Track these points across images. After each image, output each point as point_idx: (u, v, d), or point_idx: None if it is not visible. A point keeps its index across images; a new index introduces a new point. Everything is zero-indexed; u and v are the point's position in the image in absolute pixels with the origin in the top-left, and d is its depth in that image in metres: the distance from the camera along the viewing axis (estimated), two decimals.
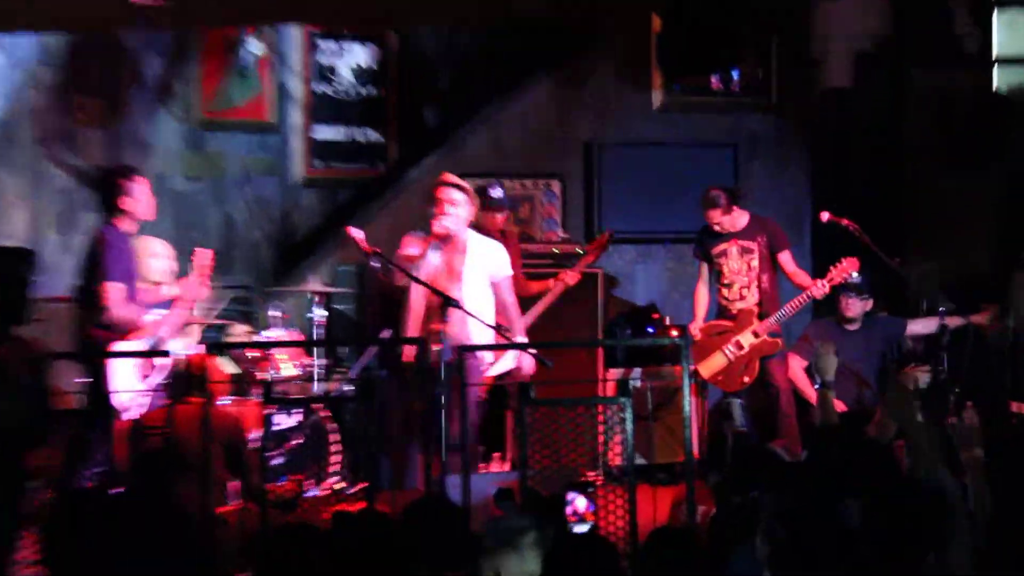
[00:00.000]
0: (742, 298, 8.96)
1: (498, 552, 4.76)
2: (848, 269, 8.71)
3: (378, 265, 7.65)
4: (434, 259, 7.80)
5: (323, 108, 10.39)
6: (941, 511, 4.54)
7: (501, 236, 8.84)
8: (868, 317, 9.05)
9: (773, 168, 10.93)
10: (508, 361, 8.09)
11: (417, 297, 7.71)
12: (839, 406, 8.45)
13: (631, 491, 6.41)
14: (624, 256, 10.58)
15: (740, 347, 8.85)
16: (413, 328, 7.69)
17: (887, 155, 10.95)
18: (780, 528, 4.39)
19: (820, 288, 8.70)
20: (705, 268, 9.13)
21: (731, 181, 10.44)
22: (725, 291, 9.02)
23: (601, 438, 8.04)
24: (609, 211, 10.60)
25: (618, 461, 8.41)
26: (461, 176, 9.97)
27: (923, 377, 7.10)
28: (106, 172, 7.84)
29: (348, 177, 10.41)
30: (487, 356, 7.93)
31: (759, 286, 8.94)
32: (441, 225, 7.78)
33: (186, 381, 6.88)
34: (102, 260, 7.30)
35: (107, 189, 7.53)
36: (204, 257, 7.77)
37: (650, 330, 10.03)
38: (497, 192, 8.84)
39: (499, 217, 8.86)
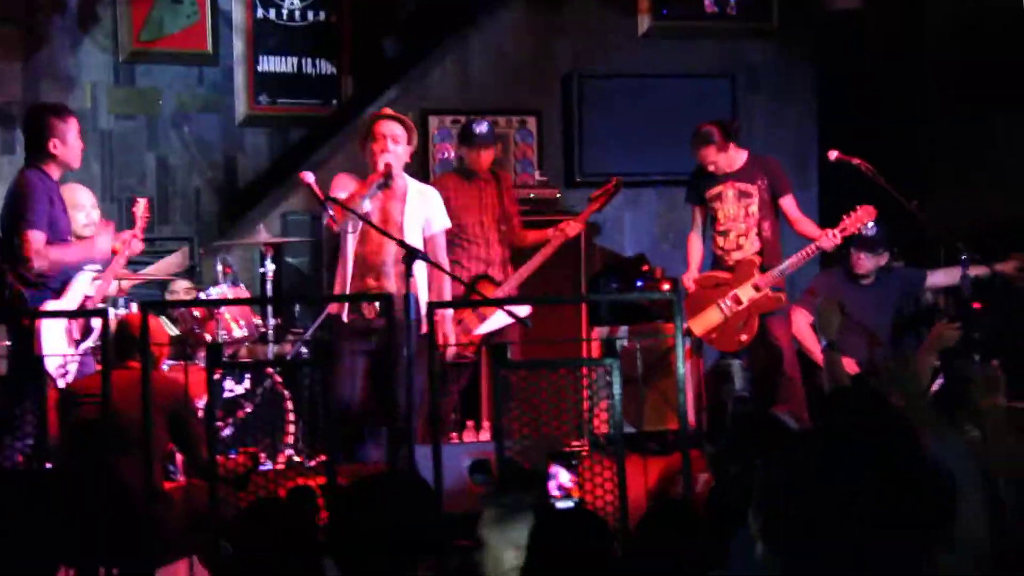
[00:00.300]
0: (739, 247, 9.04)
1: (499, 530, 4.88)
2: (863, 219, 8.72)
3: (333, 213, 7.75)
4: (366, 204, 7.80)
5: (268, 36, 10.45)
6: (944, 498, 4.68)
7: (492, 177, 9.00)
8: (882, 269, 9.14)
9: (775, 102, 11.03)
10: (499, 318, 8.24)
11: (353, 246, 7.80)
12: (850, 366, 8.62)
13: (619, 462, 6.55)
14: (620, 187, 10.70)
15: (738, 302, 8.94)
16: (341, 282, 7.81)
17: (903, 86, 11.04)
18: (774, 501, 4.55)
19: (830, 239, 8.72)
20: (699, 214, 9.20)
21: (729, 115, 10.55)
22: (720, 239, 9.09)
23: (586, 404, 8.19)
24: (591, 151, 10.70)
25: (605, 429, 8.56)
26: (424, 114, 10.19)
27: (953, 335, 7.22)
28: (34, 109, 7.86)
29: (298, 114, 10.49)
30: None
31: (759, 234, 9.00)
32: (386, 161, 7.82)
33: (123, 344, 7.00)
34: (24, 207, 7.31)
35: (35, 129, 7.50)
36: (140, 207, 7.86)
37: (639, 283, 10.15)
38: (482, 127, 8.96)
39: (485, 155, 8.96)
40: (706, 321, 8.99)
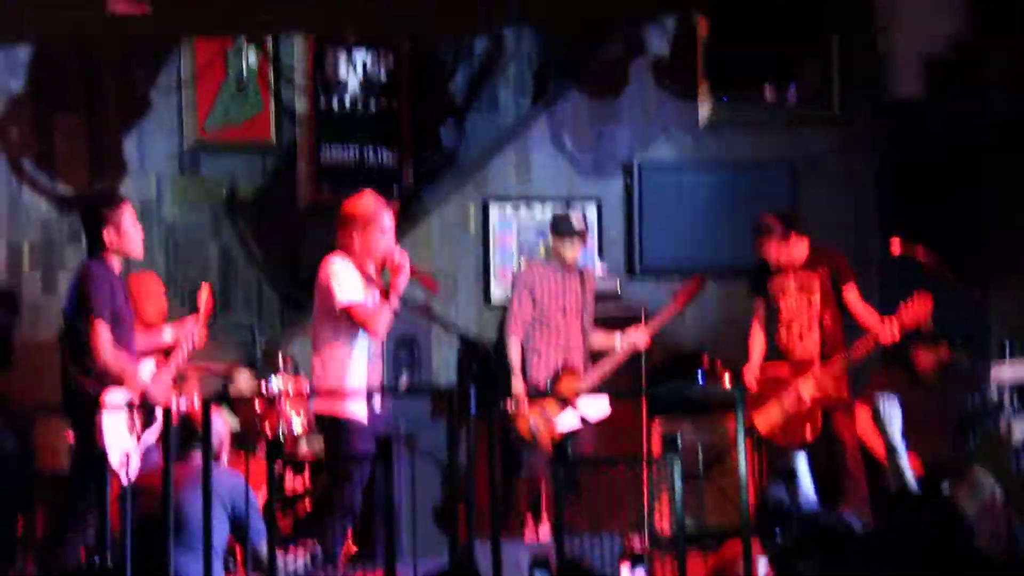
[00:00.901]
0: (802, 339, 8.99)
1: None
2: (920, 308, 8.72)
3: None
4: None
5: (329, 125, 10.53)
6: None
7: (577, 269, 9.06)
8: (945, 364, 9.08)
9: (836, 190, 11.01)
10: (572, 418, 8.27)
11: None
12: (915, 465, 8.59)
13: (681, 561, 6.56)
14: (669, 292, 10.68)
15: (800, 397, 8.94)
16: None
17: (965, 174, 11.03)
18: None
19: (888, 330, 8.74)
20: (761, 305, 9.18)
21: (788, 205, 10.57)
22: (783, 332, 9.06)
23: (646, 500, 8.19)
24: (651, 240, 10.72)
25: (666, 526, 8.53)
26: (485, 203, 10.27)
27: (1020, 429, 7.16)
28: (88, 201, 7.93)
29: None
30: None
31: (821, 326, 8.99)
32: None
33: (184, 437, 7.06)
34: (88, 299, 7.38)
35: (90, 220, 7.57)
36: (204, 295, 7.93)
37: (700, 377, 10.14)
38: (576, 220, 9.08)
39: (574, 247, 9.08)
40: (769, 417, 8.95)
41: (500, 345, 9.02)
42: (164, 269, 9.94)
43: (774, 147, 11.01)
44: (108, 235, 7.49)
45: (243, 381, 8.91)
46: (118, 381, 7.36)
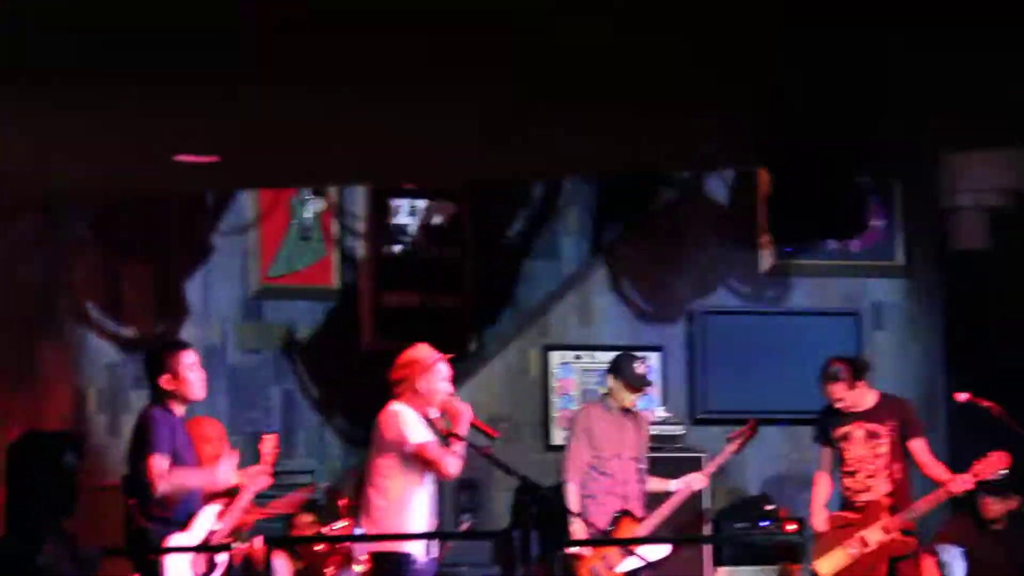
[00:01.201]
0: (867, 488, 8.93)
1: None
2: (996, 465, 8.65)
3: (453, 449, 7.82)
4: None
5: (391, 271, 10.62)
6: None
7: (634, 414, 9.04)
8: (1014, 513, 9.02)
9: (902, 340, 11.01)
10: (633, 563, 8.24)
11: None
12: None
13: None
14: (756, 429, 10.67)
15: (866, 544, 8.82)
16: None
17: None
18: None
19: (960, 484, 8.68)
20: (826, 454, 9.14)
21: (853, 354, 10.54)
22: (848, 480, 9.00)
23: None
24: (715, 387, 10.73)
25: None
26: (546, 349, 10.31)
27: None
28: (150, 349, 8.01)
29: None
30: None
31: (890, 476, 8.93)
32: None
33: None
34: (146, 436, 7.45)
35: (151, 366, 7.65)
36: (269, 443, 7.96)
37: (763, 523, 10.07)
38: (646, 369, 9.14)
39: (638, 396, 9.11)
40: (833, 563, 8.87)
41: (558, 489, 8.99)
42: (227, 413, 9.98)
43: (838, 296, 11.03)
44: (165, 381, 7.56)
45: (305, 524, 8.90)
46: (180, 522, 7.37)
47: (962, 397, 9.02)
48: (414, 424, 7.79)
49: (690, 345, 10.84)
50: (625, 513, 8.84)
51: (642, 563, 8.49)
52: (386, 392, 10.38)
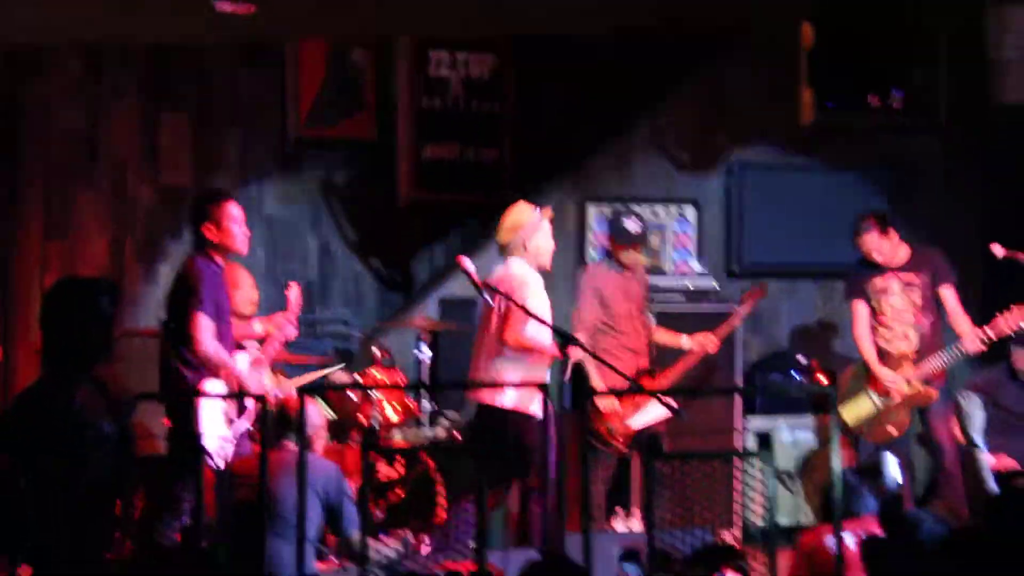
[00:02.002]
0: (905, 338, 9.02)
1: None
2: (1019, 319, 8.68)
3: (491, 301, 7.87)
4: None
5: (432, 124, 10.61)
6: None
7: (635, 272, 9.05)
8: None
9: (939, 196, 10.94)
10: (655, 411, 8.30)
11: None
12: (1006, 464, 8.52)
13: (771, 557, 6.55)
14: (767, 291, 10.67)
15: (889, 394, 8.92)
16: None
17: None
18: None
19: (974, 341, 8.72)
20: (863, 308, 9.16)
21: (890, 210, 10.51)
22: (885, 332, 9.06)
23: (737, 495, 8.18)
24: (750, 241, 10.70)
25: (758, 521, 8.52)
26: (584, 202, 10.31)
27: None
28: (196, 198, 8.09)
29: (459, 202, 10.62)
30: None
31: (921, 327, 8.98)
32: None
33: (280, 425, 7.15)
34: (192, 292, 7.52)
35: (197, 216, 7.71)
36: (294, 292, 8.02)
37: (795, 375, 10.12)
38: (634, 226, 9.04)
39: (634, 252, 9.06)
40: (857, 411, 8.98)
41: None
42: (264, 263, 10.06)
43: (877, 152, 10.95)
44: (209, 231, 7.62)
45: (339, 373, 8.99)
46: (216, 372, 7.47)
47: (998, 251, 8.96)
48: (533, 289, 8.14)
49: (727, 199, 10.80)
50: (645, 371, 8.86)
51: (656, 419, 8.52)
52: (422, 242, 10.51)
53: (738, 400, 9.74)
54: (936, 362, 8.89)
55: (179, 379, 7.50)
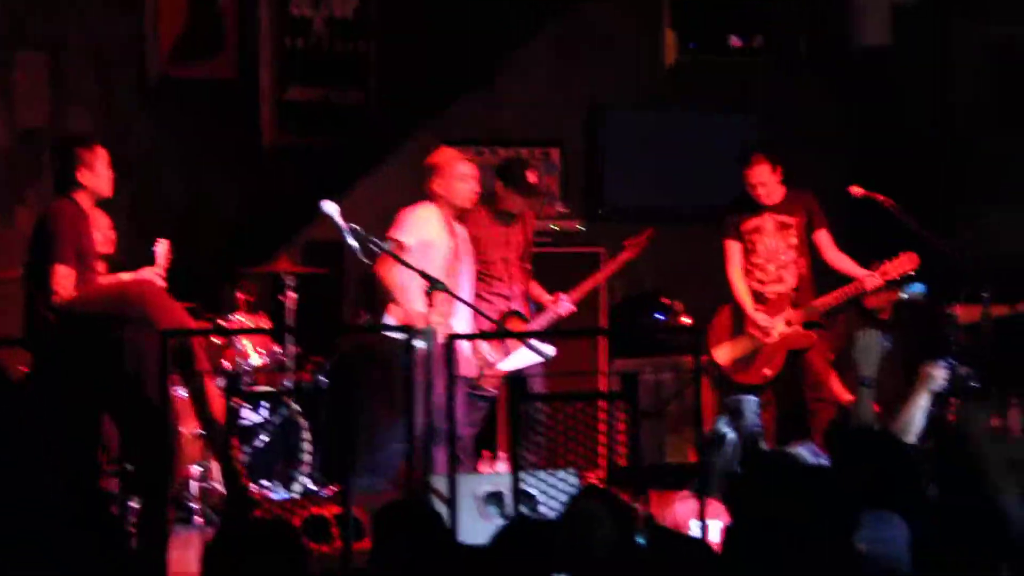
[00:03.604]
0: (780, 279, 8.99)
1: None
2: (906, 266, 8.72)
3: (355, 243, 7.82)
4: (448, 238, 8.26)
5: (295, 65, 10.51)
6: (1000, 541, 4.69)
7: (520, 214, 8.97)
8: (895, 303, 9.17)
9: (801, 137, 11.05)
10: (524, 356, 8.31)
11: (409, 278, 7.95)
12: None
13: (636, 498, 6.63)
14: (630, 234, 10.70)
15: (767, 335, 9.00)
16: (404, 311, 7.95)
17: (932, 121, 11.08)
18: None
19: (872, 282, 8.76)
20: (736, 249, 9.09)
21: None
22: (759, 273, 9.02)
23: (603, 437, 8.23)
24: (614, 183, 10.75)
25: (624, 463, 8.61)
26: (449, 144, 10.26)
27: (940, 375, 7.21)
28: (62, 140, 7.95)
29: (323, 143, 10.55)
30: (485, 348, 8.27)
31: (797, 269, 9.02)
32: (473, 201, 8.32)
33: None
34: (53, 239, 7.42)
35: (63, 159, 7.60)
36: (162, 248, 7.90)
37: (659, 316, 10.19)
38: (535, 177, 8.99)
39: (529, 203, 8.96)
40: (732, 351, 9.00)
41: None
42: (126, 207, 9.91)
43: (740, 92, 11.03)
44: (82, 175, 7.51)
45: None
46: None
47: (856, 191, 9.01)
48: (412, 226, 8.18)
49: (591, 141, 10.82)
50: (513, 313, 8.84)
51: (529, 362, 8.53)
52: (286, 187, 10.41)
53: (603, 343, 9.80)
54: (823, 302, 8.90)
55: (42, 324, 7.40)
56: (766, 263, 9.02)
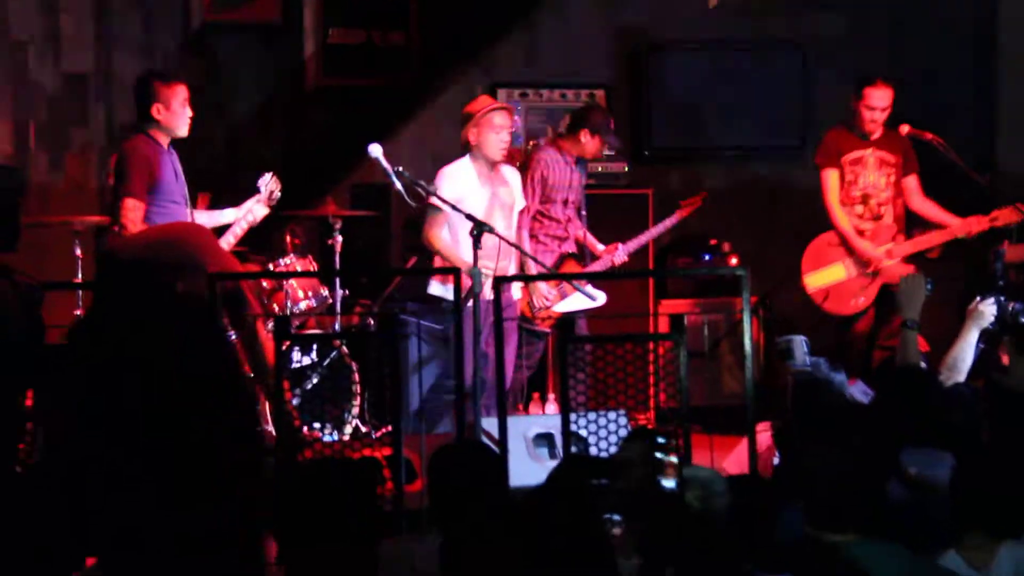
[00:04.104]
0: (880, 215, 8.94)
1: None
2: (1013, 217, 8.69)
3: (400, 185, 7.82)
4: (484, 189, 8.25)
5: (338, 8, 10.47)
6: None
7: (579, 162, 8.97)
8: (949, 246, 9.13)
9: (848, 74, 10.96)
10: (578, 300, 8.33)
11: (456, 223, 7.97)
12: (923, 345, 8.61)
13: (686, 437, 6.63)
14: (678, 175, 10.68)
15: (870, 265, 8.87)
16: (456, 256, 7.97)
17: (979, 57, 10.99)
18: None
19: (979, 225, 8.73)
20: (834, 177, 8.98)
21: (800, 88, 10.56)
22: (859, 207, 8.98)
23: (652, 378, 8.22)
24: (660, 123, 10.68)
25: (673, 403, 8.61)
26: (493, 87, 10.24)
27: (989, 311, 7.14)
28: (142, 75, 8.06)
29: (367, 86, 10.52)
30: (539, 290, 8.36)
31: (894, 210, 8.94)
32: (505, 152, 8.29)
33: None
34: (124, 174, 7.52)
35: (140, 94, 7.76)
36: (267, 180, 8.00)
37: (707, 258, 10.16)
38: (612, 125, 9.02)
39: (599, 148, 8.99)
40: (825, 277, 8.93)
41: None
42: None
43: (785, 30, 10.94)
44: (157, 111, 7.67)
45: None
46: None
47: (904, 129, 8.97)
48: (442, 184, 8.20)
49: (635, 82, 10.76)
50: (570, 255, 8.86)
51: (583, 306, 8.54)
52: (329, 129, 10.39)
53: (651, 284, 9.79)
54: (927, 241, 8.87)
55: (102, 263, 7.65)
56: (867, 196, 8.96)
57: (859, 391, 6.69)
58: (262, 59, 10.41)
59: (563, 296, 8.65)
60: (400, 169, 7.80)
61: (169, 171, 7.71)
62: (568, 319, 8.34)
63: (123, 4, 10.10)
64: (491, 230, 7.49)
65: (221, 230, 8.03)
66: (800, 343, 8.30)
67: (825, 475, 4.61)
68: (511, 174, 8.49)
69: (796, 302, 9.13)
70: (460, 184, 8.18)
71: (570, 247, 8.88)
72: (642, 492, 4.76)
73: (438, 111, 10.46)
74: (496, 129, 8.25)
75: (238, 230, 7.99)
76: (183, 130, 7.79)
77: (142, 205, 7.52)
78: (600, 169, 10.01)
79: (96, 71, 9.92)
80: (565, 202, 8.88)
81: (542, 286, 8.61)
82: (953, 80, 10.88)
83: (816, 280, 8.91)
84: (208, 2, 10.26)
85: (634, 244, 8.94)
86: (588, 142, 8.85)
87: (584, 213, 8.98)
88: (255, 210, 8.03)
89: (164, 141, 7.74)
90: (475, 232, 7.39)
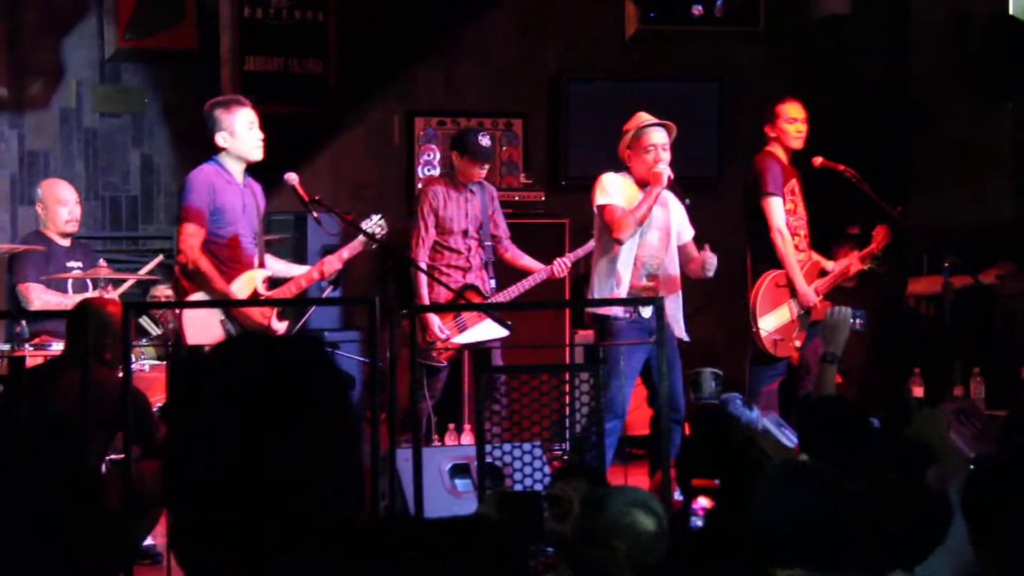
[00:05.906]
0: (805, 249, 8.63)
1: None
2: (885, 240, 8.56)
3: (317, 215, 7.77)
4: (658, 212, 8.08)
5: (254, 35, 10.43)
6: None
7: (479, 187, 8.85)
8: (863, 275, 9.11)
9: (763, 105, 11.04)
10: (480, 331, 8.28)
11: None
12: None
13: (602, 466, 6.63)
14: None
15: (809, 306, 8.50)
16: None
17: (890, 90, 11.10)
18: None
19: (856, 264, 8.65)
20: (779, 205, 8.48)
21: (716, 119, 10.61)
22: (795, 239, 8.54)
23: (567, 409, 8.24)
24: (577, 154, 10.73)
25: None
26: (410, 116, 10.23)
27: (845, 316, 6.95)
28: (208, 103, 7.62)
29: (284, 113, 10.47)
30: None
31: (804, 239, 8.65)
32: (668, 174, 8.01)
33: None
34: (183, 200, 7.29)
35: (207, 126, 7.38)
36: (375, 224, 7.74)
37: None
38: (487, 141, 8.83)
39: (482, 169, 8.77)
40: (777, 320, 8.50)
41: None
42: (84, 177, 9.86)
43: (701, 62, 11.02)
44: (221, 139, 7.34)
45: (162, 293, 8.87)
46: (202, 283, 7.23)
47: (817, 161, 8.83)
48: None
49: (553, 112, 10.80)
50: (470, 287, 8.74)
51: (487, 337, 8.49)
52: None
53: (567, 314, 9.80)
54: (838, 277, 8.69)
55: (177, 289, 7.41)
56: (798, 227, 8.59)
57: (772, 422, 6.73)
58: (180, 86, 10.34)
59: (461, 329, 8.59)
60: (317, 198, 7.76)
61: (235, 201, 7.38)
62: (484, 350, 8.32)
63: (36, 30, 10.01)
64: (413, 262, 7.47)
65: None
66: (708, 376, 8.28)
67: (767, 519, 4.54)
68: (672, 200, 8.20)
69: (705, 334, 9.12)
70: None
71: (475, 277, 8.78)
72: (576, 536, 4.71)
73: (356, 139, 10.45)
74: (646, 147, 8.13)
75: (303, 282, 7.63)
76: (255, 154, 7.43)
77: (201, 232, 7.23)
78: (517, 198, 10.02)
79: (9, 98, 9.82)
80: (465, 232, 8.76)
81: (434, 320, 8.52)
82: (867, 113, 10.97)
83: (769, 323, 8.55)
84: (123, 29, 10.19)
85: (581, 251, 8.87)
86: (461, 164, 8.71)
87: (508, 236, 8.90)
88: (331, 263, 7.64)
89: (236, 169, 7.40)
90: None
